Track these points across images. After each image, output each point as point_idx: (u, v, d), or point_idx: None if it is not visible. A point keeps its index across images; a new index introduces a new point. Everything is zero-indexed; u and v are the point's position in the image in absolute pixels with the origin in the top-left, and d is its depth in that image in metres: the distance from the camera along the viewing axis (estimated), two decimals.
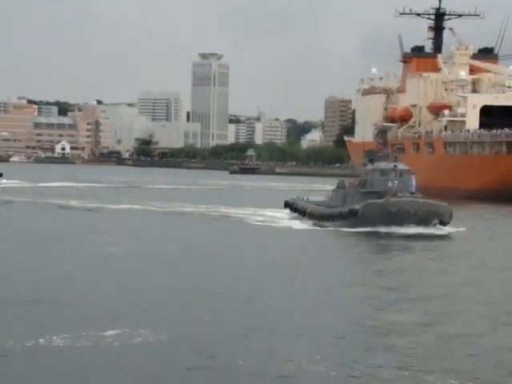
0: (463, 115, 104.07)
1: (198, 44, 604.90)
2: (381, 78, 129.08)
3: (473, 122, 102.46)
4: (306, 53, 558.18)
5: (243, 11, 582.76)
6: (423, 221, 48.48)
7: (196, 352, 19.01)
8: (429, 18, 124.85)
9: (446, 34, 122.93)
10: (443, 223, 49.52)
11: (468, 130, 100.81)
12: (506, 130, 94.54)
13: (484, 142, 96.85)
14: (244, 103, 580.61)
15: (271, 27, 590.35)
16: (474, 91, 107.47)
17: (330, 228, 50.45)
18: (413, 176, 51.90)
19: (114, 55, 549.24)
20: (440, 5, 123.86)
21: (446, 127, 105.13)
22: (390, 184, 50.76)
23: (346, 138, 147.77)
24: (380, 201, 49.34)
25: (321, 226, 51.45)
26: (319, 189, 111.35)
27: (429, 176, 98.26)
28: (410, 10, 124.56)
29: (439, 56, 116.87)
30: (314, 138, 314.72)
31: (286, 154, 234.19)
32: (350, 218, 49.48)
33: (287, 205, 60.70)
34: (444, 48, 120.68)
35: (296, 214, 57.30)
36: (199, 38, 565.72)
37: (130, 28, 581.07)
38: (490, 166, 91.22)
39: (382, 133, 58.25)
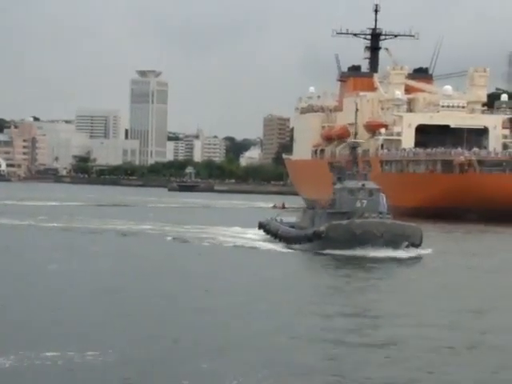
0: (399, 134, 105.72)
1: (136, 61, 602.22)
2: (318, 97, 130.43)
3: (408, 140, 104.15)
4: (245, 71, 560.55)
5: (182, 29, 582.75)
6: (391, 243, 46.09)
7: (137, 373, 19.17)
8: (365, 38, 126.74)
9: (381, 53, 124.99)
10: (414, 245, 47.15)
11: (404, 149, 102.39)
12: (441, 149, 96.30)
13: (419, 160, 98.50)
14: (183, 121, 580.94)
15: (210, 45, 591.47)
16: (410, 110, 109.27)
17: (297, 251, 48.23)
18: (383, 195, 49.44)
19: (51, 71, 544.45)
20: (376, 25, 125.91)
21: (382, 146, 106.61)
22: (358, 204, 48.21)
23: (284, 156, 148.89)
24: (344, 222, 46.82)
25: (291, 249, 49.19)
26: (257, 206, 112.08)
27: None
28: (347, 30, 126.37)
29: (375, 75, 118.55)
30: (252, 156, 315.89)
31: (225, 171, 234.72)
32: (316, 240, 47.27)
33: (261, 226, 57.19)
34: (380, 68, 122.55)
35: (268, 236, 54.71)
36: (137, 56, 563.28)
37: (66, 43, 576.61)
38: (425, 184, 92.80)
39: (352, 149, 55.30)
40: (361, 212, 47.57)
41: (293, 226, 53.01)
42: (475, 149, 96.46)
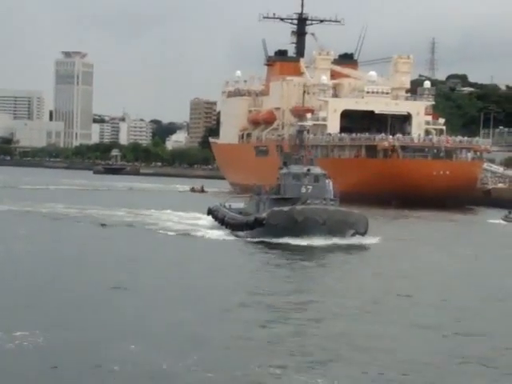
0: (324, 119, 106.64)
1: (61, 44, 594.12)
2: (245, 81, 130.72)
3: (334, 125, 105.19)
4: (173, 54, 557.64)
5: (111, 11, 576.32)
6: (334, 231, 44.17)
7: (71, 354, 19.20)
8: (291, 23, 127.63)
9: (308, 38, 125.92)
10: (359, 233, 45.27)
11: (329, 134, 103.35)
12: (365, 134, 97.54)
13: (344, 145, 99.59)
14: (109, 103, 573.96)
15: (138, 28, 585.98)
16: (335, 96, 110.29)
17: (240, 238, 46.05)
18: (329, 181, 47.66)
19: None
20: (302, 10, 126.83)
21: (308, 130, 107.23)
22: (303, 190, 46.31)
23: (210, 140, 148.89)
24: (285, 209, 44.78)
25: (236, 236, 46.95)
26: (182, 190, 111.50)
27: None
28: (274, 14, 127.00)
29: (302, 60, 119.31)
30: (179, 139, 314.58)
31: (151, 154, 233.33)
32: (257, 227, 45.26)
33: (210, 212, 55.22)
34: (306, 53, 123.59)
35: (216, 223, 52.44)
36: (63, 38, 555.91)
37: None
38: (350, 169, 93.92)
39: (298, 133, 51.94)
40: (305, 198, 45.64)
41: (240, 213, 50.74)
42: (399, 135, 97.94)
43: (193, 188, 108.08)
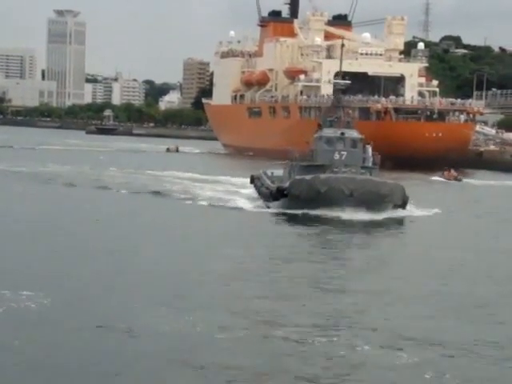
0: (318, 80, 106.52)
1: (54, 1, 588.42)
2: (239, 42, 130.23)
3: (327, 87, 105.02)
4: (166, 15, 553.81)
5: None
6: (364, 203, 38.87)
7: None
8: None
9: None
10: (395, 206, 40.40)
11: (322, 95, 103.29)
12: (359, 96, 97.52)
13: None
14: (101, 63, 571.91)
15: None
16: (329, 57, 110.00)
17: (268, 210, 41.71)
18: (368, 146, 43.26)
19: None
20: None
21: (301, 92, 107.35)
22: (336, 156, 41.48)
23: (204, 101, 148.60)
24: (308, 177, 40.03)
25: (267, 207, 42.50)
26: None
27: (285, 140, 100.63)
28: None
29: (295, 21, 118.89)
30: (172, 100, 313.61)
31: (144, 115, 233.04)
32: (280, 197, 40.90)
33: (252, 180, 50.02)
34: (300, 14, 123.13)
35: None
36: None
37: None
38: None
39: (335, 92, 46.73)
40: (337, 165, 40.96)
41: (274, 181, 45.11)
42: (392, 97, 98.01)
43: (168, 148, 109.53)
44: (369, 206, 39.12)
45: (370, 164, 42.80)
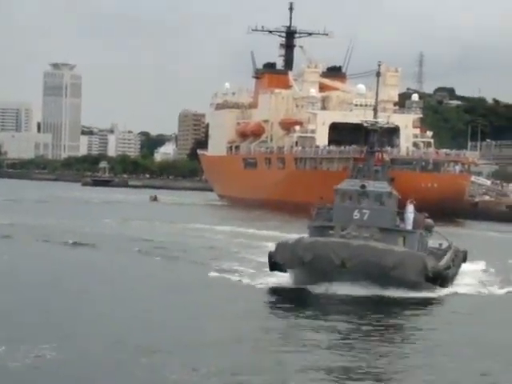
0: (313, 131, 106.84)
1: (50, 54, 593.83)
2: (234, 93, 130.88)
3: (322, 138, 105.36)
4: (162, 67, 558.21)
5: (96, 22, 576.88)
6: (360, 276, 30.37)
7: None
8: (280, 36, 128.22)
9: (296, 51, 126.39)
10: (404, 283, 30.84)
11: (318, 146, 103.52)
12: (354, 147, 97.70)
13: (333, 158, 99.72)
14: (97, 115, 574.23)
15: (127, 40, 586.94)
16: (324, 108, 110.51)
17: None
18: (411, 206, 34.65)
19: None
20: (291, 23, 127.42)
21: (296, 143, 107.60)
22: (356, 215, 33.24)
23: (199, 152, 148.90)
24: (290, 242, 32.68)
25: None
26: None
27: (280, 191, 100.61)
28: (263, 27, 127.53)
29: (290, 73, 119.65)
30: (167, 151, 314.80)
31: (140, 166, 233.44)
32: (271, 266, 33.60)
33: None
34: (295, 65, 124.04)
35: None
36: (52, 48, 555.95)
37: None
38: (339, 182, 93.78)
39: (369, 133, 36.98)
40: (352, 227, 32.42)
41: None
42: (387, 147, 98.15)
43: (151, 197, 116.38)
44: (369, 280, 30.63)
45: (410, 227, 33.99)
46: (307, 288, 31.11)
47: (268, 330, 24.61)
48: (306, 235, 33.80)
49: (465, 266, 39.40)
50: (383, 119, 42.31)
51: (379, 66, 37.16)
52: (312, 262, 31.07)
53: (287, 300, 30.36)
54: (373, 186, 34.09)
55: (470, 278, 37.24)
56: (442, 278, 32.66)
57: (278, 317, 27.02)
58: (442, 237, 39.86)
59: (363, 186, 33.92)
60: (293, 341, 23.12)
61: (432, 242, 38.64)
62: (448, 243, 39.93)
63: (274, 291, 31.73)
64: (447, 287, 33.28)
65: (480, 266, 41.10)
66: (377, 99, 42.94)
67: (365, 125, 37.83)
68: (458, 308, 30.20)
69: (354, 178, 35.03)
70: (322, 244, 31.42)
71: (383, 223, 33.16)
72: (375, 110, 40.35)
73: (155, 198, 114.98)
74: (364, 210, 33.35)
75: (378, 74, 37.83)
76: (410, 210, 34.42)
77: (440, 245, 39.58)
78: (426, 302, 30.66)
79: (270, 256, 33.25)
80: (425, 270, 31.24)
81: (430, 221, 36.51)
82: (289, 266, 32.32)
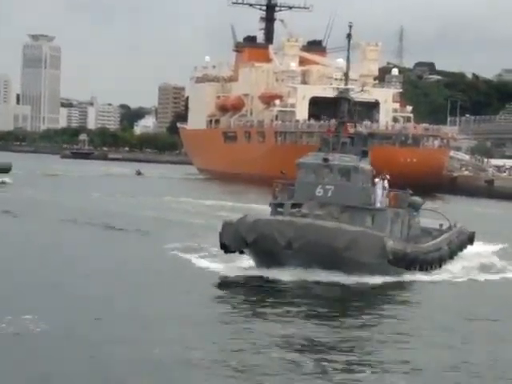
0: (293, 105, 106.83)
1: (30, 25, 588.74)
2: (214, 67, 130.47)
3: (302, 112, 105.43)
4: (142, 39, 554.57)
5: None
6: (309, 259, 27.42)
7: None
8: (260, 9, 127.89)
9: (277, 25, 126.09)
10: (358, 264, 27.53)
11: (298, 120, 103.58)
12: (333, 121, 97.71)
13: (313, 132, 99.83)
14: (77, 88, 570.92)
15: (108, 13, 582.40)
16: (304, 82, 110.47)
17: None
18: (379, 181, 31.53)
19: None
20: None
21: (277, 117, 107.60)
22: (319, 192, 29.98)
23: (179, 125, 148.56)
24: (234, 221, 29.46)
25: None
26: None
27: (260, 165, 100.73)
28: (243, 0, 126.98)
29: (270, 47, 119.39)
30: (147, 124, 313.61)
31: (119, 139, 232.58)
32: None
33: None
34: (275, 39, 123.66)
35: None
36: (32, 19, 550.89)
37: None
38: None
39: (340, 101, 33.11)
40: (310, 205, 29.46)
41: None
42: (367, 122, 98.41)
43: (136, 171, 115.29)
44: (319, 263, 27.39)
45: (381, 204, 30.70)
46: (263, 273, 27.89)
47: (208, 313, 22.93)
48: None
49: (471, 249, 37.11)
50: (356, 87, 40.06)
51: (350, 26, 35.40)
52: (255, 243, 28.17)
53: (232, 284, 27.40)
54: (338, 159, 30.62)
55: (468, 261, 34.41)
56: (409, 261, 29.12)
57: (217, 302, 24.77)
58: (443, 217, 37.81)
59: (326, 160, 30.48)
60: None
61: (431, 222, 36.88)
62: (449, 224, 37.44)
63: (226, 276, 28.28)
64: (427, 271, 30.14)
65: (488, 248, 38.29)
66: (348, 64, 40.77)
67: (334, 94, 35.96)
68: (414, 296, 27.28)
69: (321, 152, 31.46)
70: (264, 223, 28.40)
71: (349, 201, 29.80)
72: (346, 78, 38.63)
73: (139, 173, 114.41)
74: (327, 186, 30.11)
75: (349, 36, 36.04)
76: (379, 186, 31.15)
77: (441, 225, 37.19)
78: (384, 287, 27.62)
79: (219, 236, 29.72)
80: (383, 251, 27.82)
81: (416, 198, 34.16)
82: (234, 248, 29.27)
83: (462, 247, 36.44)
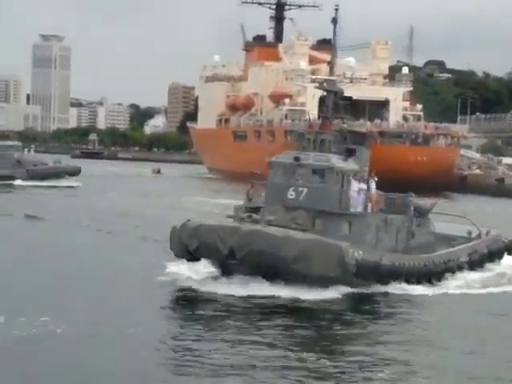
0: (303, 104, 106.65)
1: (40, 25, 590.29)
2: (223, 66, 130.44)
3: (312, 111, 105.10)
4: (151, 39, 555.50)
5: None
6: (256, 269, 25.07)
7: None
8: (270, 8, 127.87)
9: (286, 24, 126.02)
10: (316, 281, 24.81)
11: (308, 119, 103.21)
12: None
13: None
14: (86, 87, 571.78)
15: (116, 13, 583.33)
16: (314, 81, 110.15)
17: None
18: (354, 183, 27.70)
19: None
20: None
21: (286, 116, 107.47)
22: (290, 194, 27.10)
23: (188, 125, 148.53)
24: (178, 227, 26.83)
25: None
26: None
27: None
28: None
29: (280, 46, 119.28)
30: (157, 124, 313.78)
31: (129, 139, 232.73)
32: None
33: None
34: (285, 38, 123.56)
35: None
36: (42, 19, 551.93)
37: None
38: None
39: (327, 93, 30.30)
40: (274, 210, 26.63)
41: None
42: (377, 120, 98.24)
43: (153, 170, 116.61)
44: (266, 274, 25.01)
45: (361, 209, 27.34)
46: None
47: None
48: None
49: (508, 260, 32.82)
50: (341, 78, 35.64)
51: (336, 10, 33.76)
52: (197, 251, 25.97)
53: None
54: (312, 158, 27.42)
55: (491, 273, 30.76)
56: (386, 273, 25.99)
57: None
58: (471, 223, 33.99)
59: (297, 159, 27.34)
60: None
61: (455, 228, 33.38)
62: (479, 231, 33.37)
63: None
64: (420, 284, 27.23)
65: None
66: (334, 51, 37.44)
67: (315, 86, 33.06)
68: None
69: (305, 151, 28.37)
70: (207, 229, 25.79)
71: (324, 205, 26.61)
72: (331, 69, 34.61)
73: (158, 171, 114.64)
74: (300, 188, 26.98)
75: (334, 21, 34.47)
76: (355, 187, 27.32)
77: (469, 233, 33.20)
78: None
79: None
80: (341, 262, 24.57)
81: (422, 202, 31.18)
82: (180, 256, 26.88)
83: (493, 258, 32.55)
